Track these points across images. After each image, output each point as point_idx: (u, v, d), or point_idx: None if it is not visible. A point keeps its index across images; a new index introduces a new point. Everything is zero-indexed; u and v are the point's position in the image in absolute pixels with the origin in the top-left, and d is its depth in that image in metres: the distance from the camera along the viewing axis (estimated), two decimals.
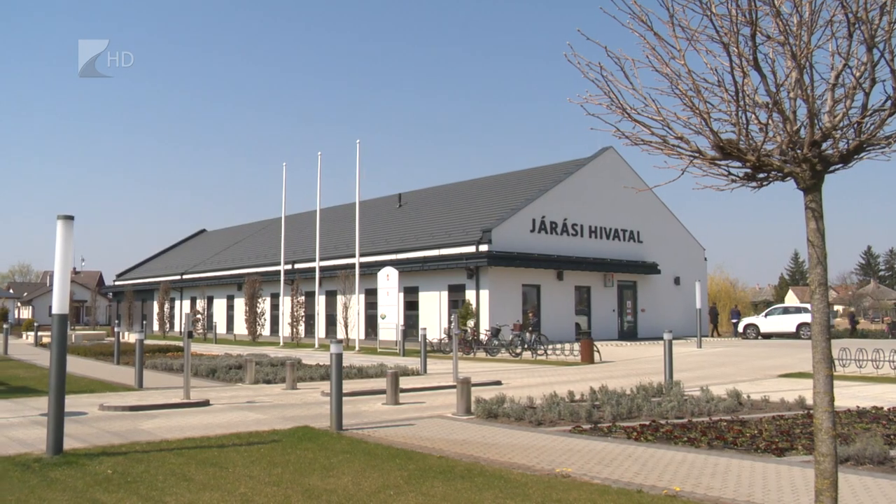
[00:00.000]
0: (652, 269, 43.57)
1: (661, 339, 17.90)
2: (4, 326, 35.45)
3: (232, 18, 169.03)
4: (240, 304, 49.47)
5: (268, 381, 18.94)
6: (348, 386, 16.43)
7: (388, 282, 33.58)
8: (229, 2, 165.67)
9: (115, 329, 28.63)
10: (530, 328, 32.25)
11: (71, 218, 9.55)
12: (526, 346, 29.76)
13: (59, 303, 9.37)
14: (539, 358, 28.38)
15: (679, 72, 5.39)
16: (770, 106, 5.20)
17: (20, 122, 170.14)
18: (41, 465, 8.62)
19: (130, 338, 32.20)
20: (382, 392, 15.33)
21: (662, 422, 11.67)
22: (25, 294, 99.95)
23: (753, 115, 5.31)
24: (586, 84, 5.49)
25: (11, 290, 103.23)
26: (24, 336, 47.10)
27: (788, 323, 41.95)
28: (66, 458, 8.95)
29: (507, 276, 36.25)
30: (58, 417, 9.18)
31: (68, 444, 9.50)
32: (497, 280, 35.85)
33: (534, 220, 38.39)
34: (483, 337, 32.74)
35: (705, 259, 49.86)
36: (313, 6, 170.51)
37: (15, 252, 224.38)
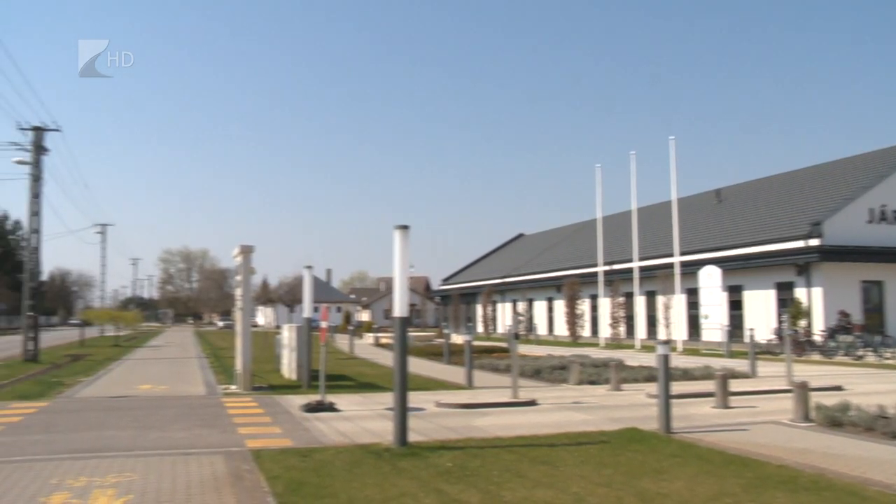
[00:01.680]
0: None
1: None
2: (350, 328, 39.04)
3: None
4: (559, 305, 50.35)
5: (591, 382, 19.02)
6: (674, 388, 15.97)
7: (710, 280, 32.35)
8: None
9: (444, 330, 30.31)
10: (858, 329, 29.32)
11: (407, 227, 10.27)
12: (871, 348, 27.13)
13: (399, 306, 10.10)
14: (886, 362, 25.73)
15: None
16: None
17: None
18: (390, 455, 9.36)
19: (457, 339, 33.97)
20: (710, 395, 14.78)
21: None
22: (364, 299, 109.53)
23: None
24: None
25: (353, 296, 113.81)
26: (364, 337, 51.51)
27: None
28: (410, 450, 9.64)
29: (842, 272, 33.27)
30: (402, 412, 9.91)
31: (411, 436, 10.19)
32: (831, 276, 33.06)
33: (871, 210, 34.93)
34: (817, 338, 30.37)
35: None
36: None
37: (355, 260, 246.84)
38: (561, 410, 14.09)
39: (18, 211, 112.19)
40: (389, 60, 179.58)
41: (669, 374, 11.26)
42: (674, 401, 11.51)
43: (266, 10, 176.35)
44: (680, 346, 34.13)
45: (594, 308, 46.97)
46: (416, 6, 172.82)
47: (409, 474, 8.31)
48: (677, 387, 16.98)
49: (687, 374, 19.90)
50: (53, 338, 52.60)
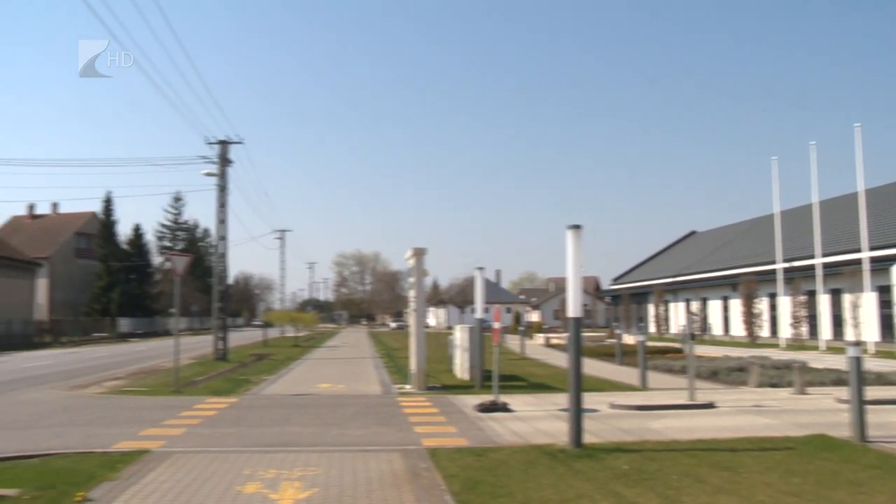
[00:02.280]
0: None
1: None
2: (520, 329, 39.13)
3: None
4: (735, 304, 48.37)
5: (773, 385, 18.15)
6: (868, 393, 14.99)
7: None
8: None
9: (616, 331, 29.82)
10: None
11: (579, 227, 10.17)
12: None
13: (573, 306, 10.01)
14: None
15: None
16: None
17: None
18: (565, 456, 9.30)
19: (629, 339, 33.34)
20: None
21: None
22: (534, 299, 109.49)
23: None
24: None
25: (522, 296, 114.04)
26: (534, 338, 51.43)
27: None
28: (585, 451, 9.53)
29: None
30: (577, 413, 9.82)
31: (585, 438, 10.07)
32: None
33: None
34: None
35: None
36: None
37: (524, 261, 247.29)
38: (741, 414, 13.52)
39: (207, 220, 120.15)
40: (561, 57, 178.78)
41: (863, 378, 10.56)
42: (868, 407, 10.77)
43: (445, 12, 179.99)
44: (871, 348, 31.95)
45: (773, 307, 44.79)
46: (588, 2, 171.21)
47: (584, 476, 8.22)
48: (871, 392, 15.90)
49: (881, 379, 18.63)
50: (239, 338, 55.84)
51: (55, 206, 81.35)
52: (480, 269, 18.28)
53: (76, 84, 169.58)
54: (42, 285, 65.42)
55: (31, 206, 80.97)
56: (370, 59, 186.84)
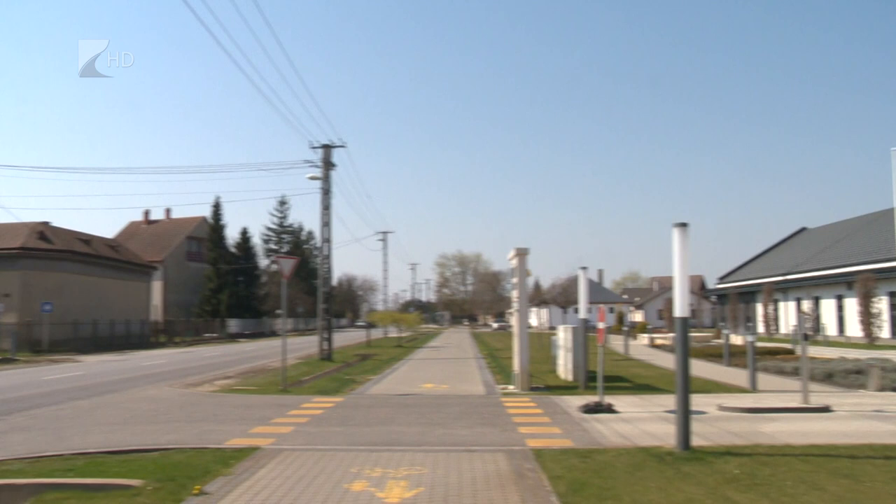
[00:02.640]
0: None
1: None
2: (623, 329, 38.56)
3: None
4: (850, 304, 46.37)
5: (895, 389, 17.31)
6: None
7: None
8: None
9: (723, 331, 29.04)
10: None
11: (686, 225, 9.93)
12: None
13: (680, 305, 9.79)
14: None
15: None
16: None
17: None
18: (673, 459, 9.10)
19: (737, 339, 32.40)
20: None
21: None
22: (637, 299, 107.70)
23: None
24: None
25: (625, 296, 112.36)
26: (638, 338, 50.56)
27: None
28: (694, 454, 9.30)
29: None
30: (685, 415, 9.59)
31: (694, 440, 9.83)
32: None
33: None
34: None
35: None
36: None
37: (626, 260, 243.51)
38: (860, 419, 12.94)
39: (311, 222, 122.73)
40: (664, 52, 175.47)
41: None
42: None
43: (556, 7, 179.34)
44: None
45: (894, 306, 42.74)
46: None
47: (694, 480, 8.02)
48: None
49: None
50: (343, 338, 56.89)
51: (168, 211, 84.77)
52: (584, 268, 18.09)
53: (186, 92, 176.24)
54: (157, 287, 68.22)
55: (147, 213, 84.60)
56: (473, 57, 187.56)
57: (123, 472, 8.67)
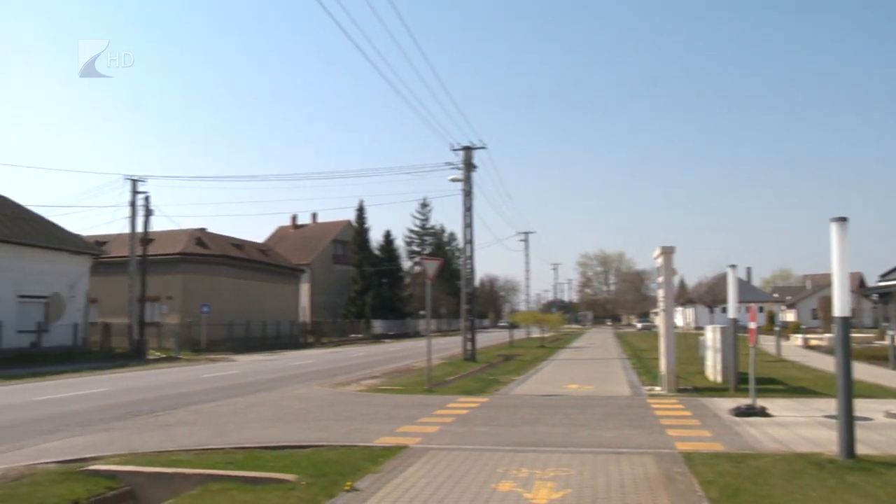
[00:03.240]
0: None
1: None
2: (775, 329, 36.95)
3: None
4: None
5: None
6: None
7: None
8: None
9: (888, 332, 27.37)
10: None
11: (845, 220, 9.39)
12: None
13: (839, 305, 9.27)
14: None
15: None
16: None
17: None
18: (835, 467, 8.61)
19: None
20: None
21: None
22: (789, 297, 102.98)
23: None
24: None
25: (775, 294, 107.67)
26: (791, 338, 48.35)
27: None
28: (859, 464, 8.77)
29: None
30: (848, 421, 9.05)
31: (858, 448, 9.26)
32: None
33: None
34: None
35: None
36: None
37: (776, 257, 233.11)
38: None
39: (451, 224, 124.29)
40: (818, 47, 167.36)
41: None
42: None
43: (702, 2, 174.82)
44: None
45: None
46: None
47: (860, 491, 7.55)
48: None
49: None
50: (485, 339, 57.13)
51: (314, 216, 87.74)
52: (732, 266, 17.43)
53: (328, 99, 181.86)
54: (304, 290, 70.72)
55: (294, 217, 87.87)
56: (615, 55, 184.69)
57: (278, 467, 9.03)
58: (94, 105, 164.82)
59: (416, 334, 77.54)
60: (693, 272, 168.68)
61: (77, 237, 41.10)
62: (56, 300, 36.75)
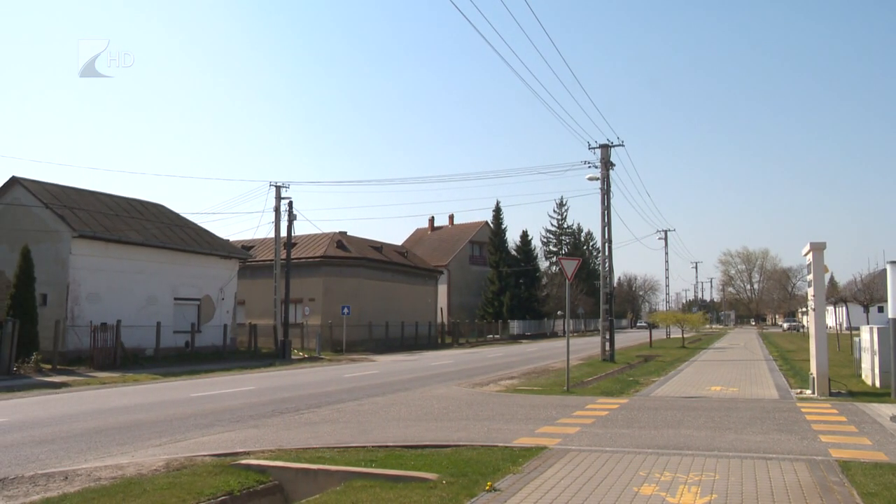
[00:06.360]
0: None
1: None
2: None
3: None
4: None
5: None
6: None
7: None
8: None
9: None
10: None
11: None
12: None
13: None
14: None
15: None
16: None
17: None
18: None
19: None
20: None
21: None
22: None
23: None
24: None
25: None
26: None
27: None
28: None
29: None
30: None
31: None
32: None
33: None
34: None
35: None
36: None
37: None
38: None
39: (588, 223, 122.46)
40: None
41: None
42: None
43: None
44: None
45: None
46: None
47: None
48: None
49: None
50: (624, 339, 56.17)
51: (451, 217, 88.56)
52: (893, 263, 16.40)
53: (463, 100, 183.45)
54: (442, 291, 71.43)
55: (431, 219, 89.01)
56: (758, 51, 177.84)
57: (419, 466, 9.15)
58: (248, 113, 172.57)
59: (553, 335, 76.98)
60: (844, 269, 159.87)
61: (226, 242, 43.05)
62: (207, 302, 38.62)
